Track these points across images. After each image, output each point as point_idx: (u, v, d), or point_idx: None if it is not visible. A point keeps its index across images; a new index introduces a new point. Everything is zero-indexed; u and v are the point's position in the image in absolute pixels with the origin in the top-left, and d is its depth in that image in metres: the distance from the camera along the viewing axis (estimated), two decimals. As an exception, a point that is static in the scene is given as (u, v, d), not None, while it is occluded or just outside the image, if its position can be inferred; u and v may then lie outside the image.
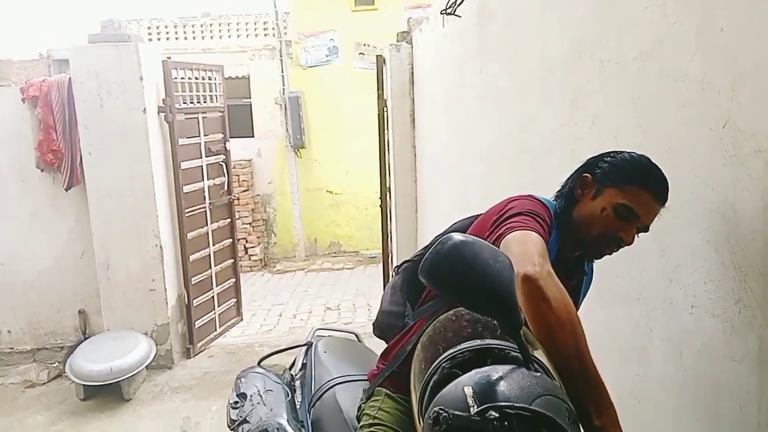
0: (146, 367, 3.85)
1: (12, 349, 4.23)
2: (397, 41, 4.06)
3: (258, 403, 1.71)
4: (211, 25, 9.43)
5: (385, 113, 4.17)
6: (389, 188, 4.29)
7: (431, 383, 0.88)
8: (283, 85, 7.91)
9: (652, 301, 1.49)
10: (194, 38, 9.43)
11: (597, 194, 1.26)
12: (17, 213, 4.09)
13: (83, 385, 3.63)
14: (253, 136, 8.26)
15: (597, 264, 1.70)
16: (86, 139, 3.84)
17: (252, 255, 7.94)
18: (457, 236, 0.84)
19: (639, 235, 1.25)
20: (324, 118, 8.05)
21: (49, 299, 4.17)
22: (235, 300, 4.99)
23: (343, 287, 6.47)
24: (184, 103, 4.18)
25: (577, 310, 1.42)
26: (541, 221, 1.20)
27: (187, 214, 4.18)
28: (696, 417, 1.33)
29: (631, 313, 1.58)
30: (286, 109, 7.87)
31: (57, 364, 4.12)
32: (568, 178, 1.36)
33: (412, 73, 3.90)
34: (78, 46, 3.81)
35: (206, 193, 4.45)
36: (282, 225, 8.39)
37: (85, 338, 4.07)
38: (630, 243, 1.23)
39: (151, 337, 3.99)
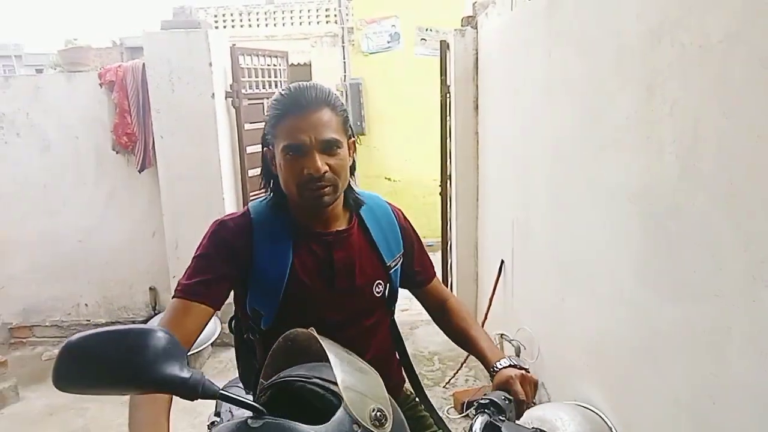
0: (211, 344, 4.00)
1: (88, 321, 4.49)
2: (462, 26, 3.99)
3: (228, 420, 1.56)
4: (274, 12, 9.59)
5: (448, 100, 4.12)
6: (450, 176, 4.25)
7: None
8: (344, 72, 7.96)
9: (731, 298, 1.42)
10: (258, 26, 9.62)
11: (273, 158, 1.20)
12: (94, 193, 4.32)
13: (153, 358, 3.81)
14: (313, 122, 8.38)
15: (673, 259, 1.63)
16: (158, 123, 3.99)
17: (311, 239, 8.07)
18: (72, 339, 0.73)
19: (340, 150, 1.16)
20: (384, 105, 8.05)
21: (122, 276, 4.39)
22: (295, 283, 5.09)
23: (399, 274, 6.51)
24: (250, 88, 4.27)
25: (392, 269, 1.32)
26: (204, 261, 1.20)
27: (251, 198, 4.29)
28: (778, 421, 1.26)
29: (707, 311, 1.51)
30: (346, 95, 7.92)
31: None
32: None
33: (477, 58, 3.83)
34: (151, 32, 3.95)
35: (269, 178, 4.54)
36: (341, 211, 8.49)
37: (155, 314, 4.26)
38: (319, 170, 1.13)
39: (216, 316, 4.13)
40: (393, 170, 8.22)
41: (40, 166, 4.29)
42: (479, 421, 1.06)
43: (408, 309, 5.16)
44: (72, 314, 4.49)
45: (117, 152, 4.24)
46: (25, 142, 4.27)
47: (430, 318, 1.52)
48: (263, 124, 1.25)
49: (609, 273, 2.06)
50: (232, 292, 1.27)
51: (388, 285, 1.33)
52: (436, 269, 1.52)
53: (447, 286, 3.89)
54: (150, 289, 4.38)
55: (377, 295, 1.31)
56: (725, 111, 1.40)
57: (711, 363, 1.51)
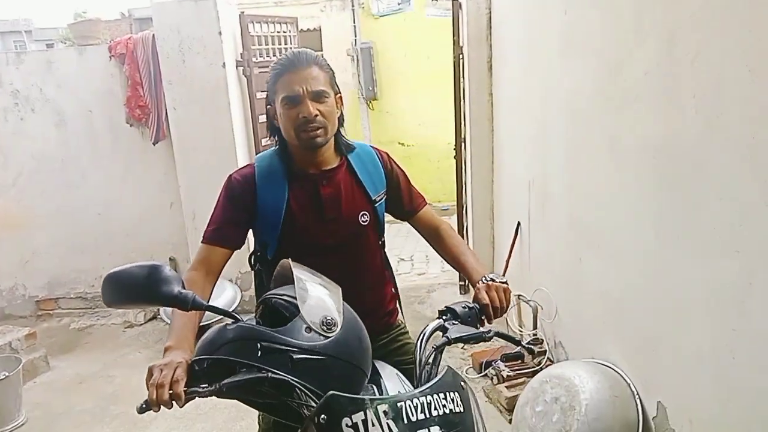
0: (232, 311, 4.07)
1: (112, 292, 4.58)
2: (474, -16, 3.89)
3: None
4: (282, -23, 9.40)
5: (461, 61, 4.05)
6: (464, 139, 4.21)
7: None
8: (355, 36, 7.83)
9: (753, 254, 1.41)
10: (266, -9, 9.44)
11: (275, 113, 1.46)
12: (111, 166, 4.36)
13: (176, 326, 3.90)
14: (325, 89, 8.30)
15: (694, 216, 1.62)
16: (170, 94, 3.98)
17: (326, 207, 8.09)
18: (108, 273, 1.10)
19: (327, 99, 1.41)
20: (396, 69, 7.94)
21: (143, 247, 4.44)
22: (312, 250, 5.12)
23: (415, 239, 6.40)
24: (261, 56, 4.23)
25: (379, 200, 1.56)
26: (219, 210, 1.48)
27: (265, 167, 4.29)
28: (800, 374, 1.26)
29: (728, 266, 1.50)
30: (357, 60, 7.81)
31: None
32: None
33: (490, 18, 3.74)
34: (160, 2, 3.91)
35: (283, 146, 4.53)
36: (355, 177, 8.47)
37: (176, 284, 4.33)
38: (311, 113, 1.38)
39: (236, 284, 4.20)
40: (406, 135, 8.16)
41: (57, 141, 4.33)
42: (431, 325, 1.23)
43: (425, 273, 5.20)
44: (95, 286, 4.58)
45: (131, 125, 4.25)
46: (40, 117, 4.30)
47: (446, 281, 1.61)
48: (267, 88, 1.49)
49: (628, 231, 2.05)
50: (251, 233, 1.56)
51: (374, 215, 1.56)
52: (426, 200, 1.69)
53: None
54: (170, 259, 4.44)
55: (363, 223, 1.53)
56: (749, 63, 1.36)
57: (732, 318, 1.51)
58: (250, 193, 1.47)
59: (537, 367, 2.77)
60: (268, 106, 1.50)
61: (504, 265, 3.50)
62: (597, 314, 2.38)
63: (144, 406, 1.02)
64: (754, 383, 1.45)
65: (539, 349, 2.86)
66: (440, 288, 4.38)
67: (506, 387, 2.75)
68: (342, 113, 1.52)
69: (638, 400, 2.02)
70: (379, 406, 0.97)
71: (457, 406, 1.03)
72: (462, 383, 1.09)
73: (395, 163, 1.64)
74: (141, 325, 4.28)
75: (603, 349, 2.32)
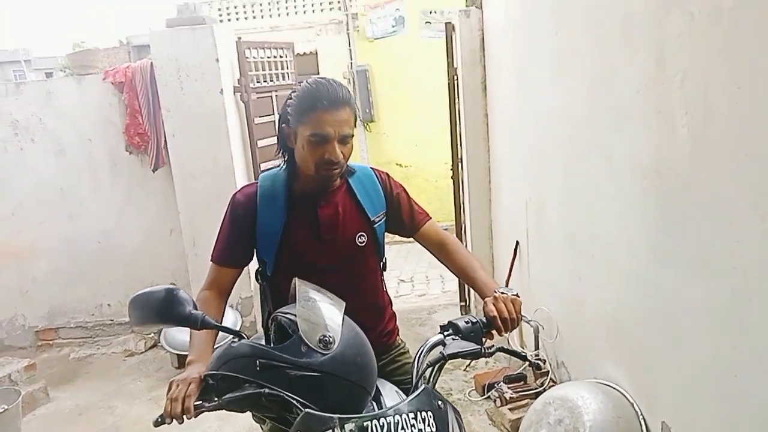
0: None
1: (112, 321, 4.56)
2: (467, 6, 3.94)
3: None
4: (278, 2, 9.53)
5: (456, 82, 4.08)
6: (461, 159, 4.23)
7: None
8: (351, 59, 7.92)
9: (751, 269, 1.41)
10: (262, 17, 9.56)
11: (295, 137, 1.43)
12: (111, 195, 4.37)
13: (177, 354, 3.87)
14: (323, 112, 8.36)
15: (689, 233, 1.62)
16: (169, 121, 4.01)
17: (326, 229, 8.09)
18: (132, 296, 1.22)
19: (351, 140, 1.41)
20: (392, 91, 8.01)
21: (143, 274, 4.44)
22: (312, 273, 5.11)
23: (415, 260, 6.48)
24: (258, 82, 4.27)
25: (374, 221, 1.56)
26: (224, 231, 1.54)
27: (264, 191, 4.30)
28: (802, 391, 1.25)
29: (726, 284, 1.50)
30: (354, 83, 7.89)
31: (153, 334, 4.41)
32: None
33: (483, 39, 3.79)
34: (157, 31, 3.97)
35: (281, 170, 4.55)
36: (354, 199, 8.48)
37: (176, 310, 4.31)
38: (338, 157, 1.39)
39: (237, 310, 4.19)
40: (403, 156, 8.19)
41: (57, 171, 4.35)
42: (431, 341, 1.26)
43: (425, 294, 5.18)
44: (96, 315, 4.56)
45: (130, 153, 4.28)
46: (40, 147, 4.33)
47: (447, 302, 1.61)
48: (284, 105, 1.47)
49: (625, 249, 2.05)
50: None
51: (372, 237, 1.56)
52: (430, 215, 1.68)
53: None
54: (171, 285, 4.42)
55: (360, 244, 1.54)
56: (737, 81, 1.38)
57: (731, 335, 1.50)
58: (251, 213, 1.51)
59: (540, 389, 2.75)
60: (284, 125, 1.47)
61: (504, 284, 3.49)
62: (598, 333, 2.37)
63: (159, 420, 1.12)
64: (758, 401, 1.44)
65: (541, 371, 2.84)
66: (441, 309, 4.36)
67: (509, 409, 2.73)
68: None
69: (642, 421, 2.00)
70: (346, 425, 0.99)
71: (429, 426, 1.04)
72: (439, 403, 1.09)
73: (395, 183, 1.64)
74: (141, 353, 4.26)
75: (605, 368, 2.30)
